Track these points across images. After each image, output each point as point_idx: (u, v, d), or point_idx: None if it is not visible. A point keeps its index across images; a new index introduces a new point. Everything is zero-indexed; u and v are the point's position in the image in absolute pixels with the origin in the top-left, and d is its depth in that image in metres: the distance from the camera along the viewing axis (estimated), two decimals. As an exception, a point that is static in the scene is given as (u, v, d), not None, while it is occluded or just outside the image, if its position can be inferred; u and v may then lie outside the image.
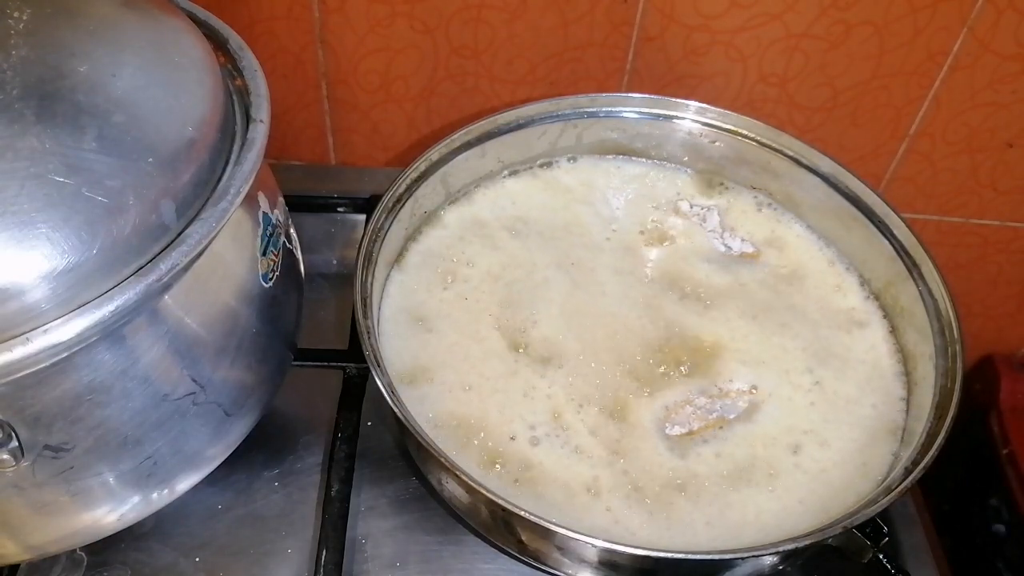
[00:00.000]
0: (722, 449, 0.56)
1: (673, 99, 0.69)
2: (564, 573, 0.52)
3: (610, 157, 0.71)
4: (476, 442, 0.55)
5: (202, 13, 0.51)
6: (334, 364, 0.63)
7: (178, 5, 0.50)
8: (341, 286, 0.73)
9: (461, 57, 0.77)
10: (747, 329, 0.62)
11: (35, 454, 0.41)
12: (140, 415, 0.43)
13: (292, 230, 0.56)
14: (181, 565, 0.55)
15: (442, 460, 0.48)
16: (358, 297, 0.54)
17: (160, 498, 0.48)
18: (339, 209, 0.74)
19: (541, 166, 0.70)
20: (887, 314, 0.63)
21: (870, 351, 0.61)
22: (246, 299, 0.48)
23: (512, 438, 0.55)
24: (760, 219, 0.69)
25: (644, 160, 0.71)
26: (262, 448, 0.61)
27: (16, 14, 0.41)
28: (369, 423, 0.63)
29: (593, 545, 0.46)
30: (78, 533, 0.47)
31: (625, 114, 0.69)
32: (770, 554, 0.49)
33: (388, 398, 0.50)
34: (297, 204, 0.69)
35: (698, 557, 0.48)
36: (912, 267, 0.61)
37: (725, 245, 0.67)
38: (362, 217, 0.71)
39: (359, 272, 0.56)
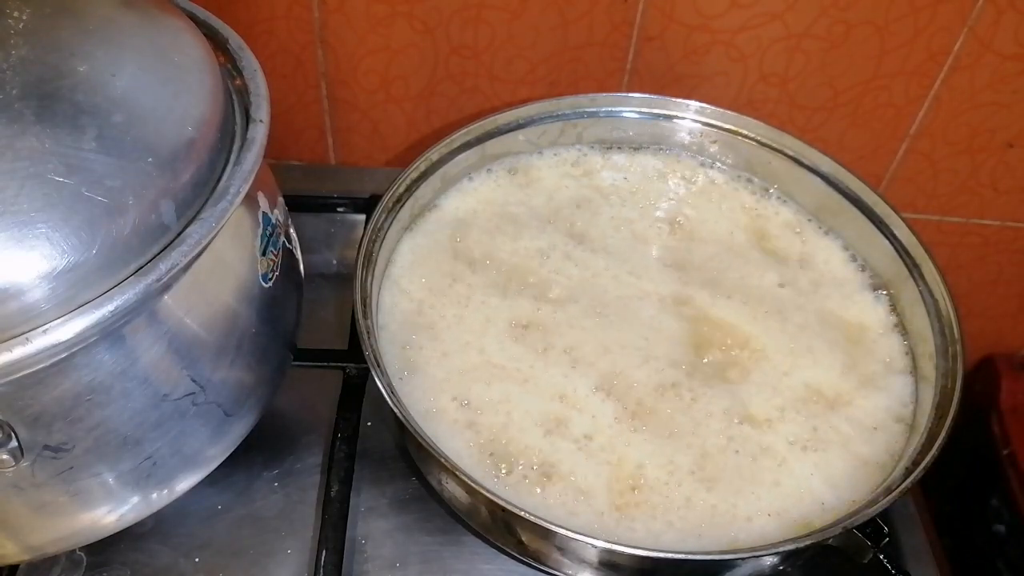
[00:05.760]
0: (736, 444, 0.55)
1: (673, 99, 0.69)
2: (564, 573, 0.52)
3: (614, 150, 0.71)
4: (478, 442, 0.54)
5: (202, 13, 0.51)
6: (334, 364, 0.63)
7: (178, 5, 0.50)
8: (341, 286, 0.72)
9: (461, 57, 0.77)
10: (759, 322, 0.61)
11: (35, 454, 0.40)
12: (140, 415, 0.43)
13: (292, 230, 0.55)
14: (181, 565, 0.55)
15: (442, 460, 0.48)
16: (358, 297, 0.54)
17: (160, 498, 0.48)
18: (339, 209, 0.74)
19: (547, 158, 0.70)
20: (894, 311, 0.63)
21: (877, 347, 0.61)
22: (246, 299, 0.48)
23: (516, 437, 0.55)
24: (760, 208, 0.69)
25: (648, 153, 0.71)
26: (262, 448, 0.60)
27: (16, 14, 0.41)
28: (369, 423, 0.63)
29: (593, 546, 0.46)
30: (77, 533, 0.47)
31: (625, 114, 0.69)
32: (770, 554, 0.49)
33: (388, 398, 0.50)
34: (297, 204, 0.69)
35: (698, 557, 0.48)
36: (912, 267, 0.61)
37: (731, 234, 0.67)
38: (362, 217, 0.71)
39: (359, 272, 0.56)
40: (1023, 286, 0.92)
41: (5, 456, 0.40)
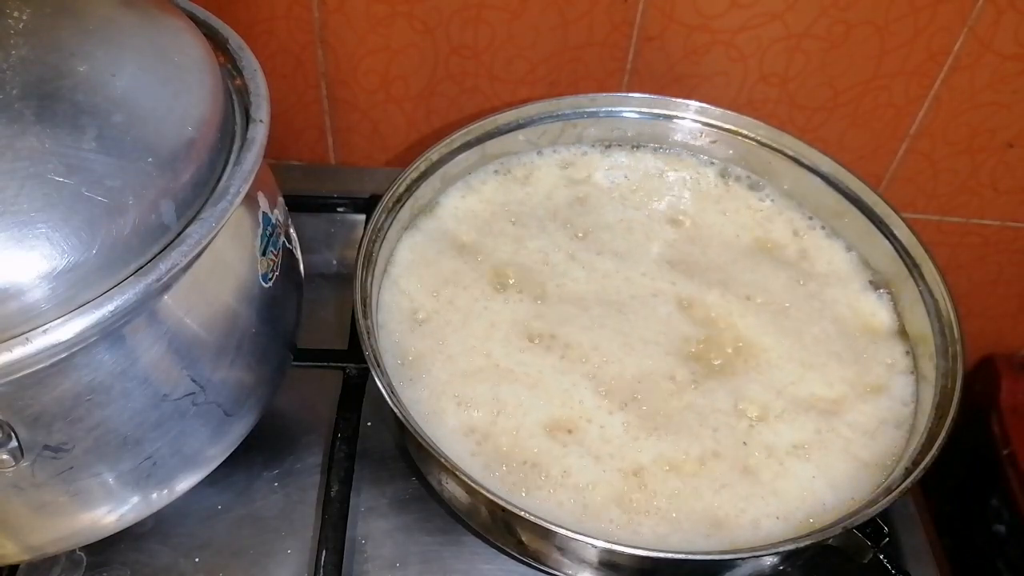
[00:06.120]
0: (743, 447, 0.55)
1: (673, 99, 0.69)
2: (564, 573, 0.52)
3: (615, 150, 0.71)
4: (479, 442, 0.54)
5: (202, 13, 0.51)
6: (334, 364, 0.63)
7: (178, 5, 0.50)
8: (341, 286, 0.72)
9: (461, 57, 0.77)
10: (764, 324, 0.61)
11: (35, 454, 0.40)
12: (140, 415, 0.43)
13: (292, 230, 0.55)
14: (181, 565, 0.55)
15: (442, 460, 0.48)
16: (358, 297, 0.54)
17: (160, 498, 0.48)
18: (339, 209, 0.74)
19: (547, 158, 0.70)
20: (895, 312, 0.63)
21: (879, 348, 0.61)
22: (246, 299, 0.48)
23: (517, 437, 0.55)
24: (761, 208, 0.69)
25: (648, 153, 0.71)
26: (262, 448, 0.60)
27: (16, 14, 0.41)
28: (369, 423, 0.63)
29: (593, 546, 0.46)
30: (77, 533, 0.47)
31: (625, 114, 0.69)
32: (770, 554, 0.49)
33: (388, 398, 0.50)
34: (297, 204, 0.69)
35: (698, 557, 0.48)
36: (912, 267, 0.61)
37: (732, 235, 0.67)
38: (362, 217, 0.71)
39: (359, 272, 0.56)
40: (1023, 286, 0.92)
41: (5, 456, 0.40)
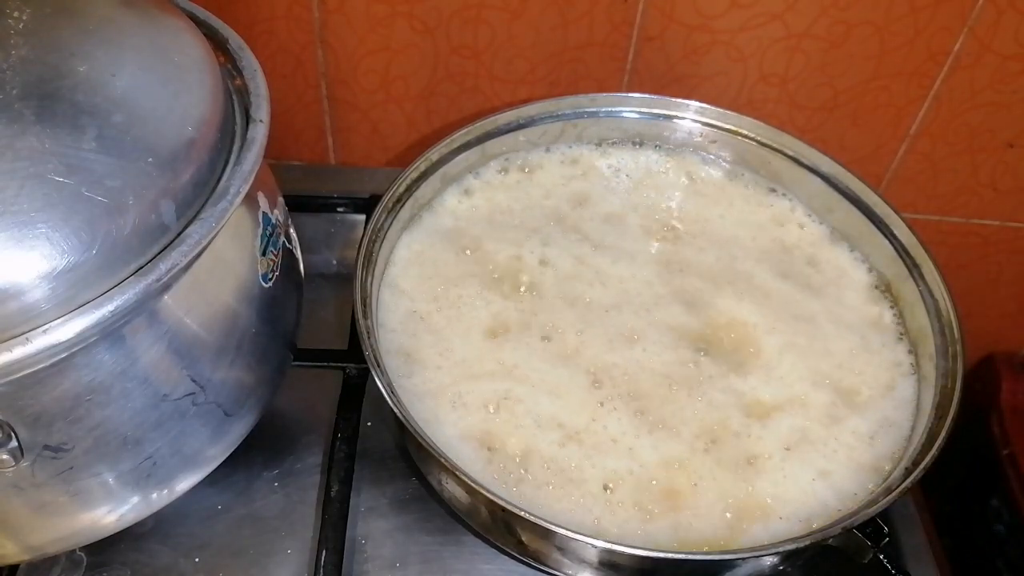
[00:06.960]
0: (737, 442, 0.55)
1: (673, 99, 0.69)
2: (564, 573, 0.52)
3: (615, 150, 0.71)
4: (479, 442, 0.54)
5: (202, 13, 0.51)
6: (334, 364, 0.63)
7: (178, 5, 0.50)
8: (341, 286, 0.72)
9: (461, 57, 0.77)
10: (769, 324, 0.61)
11: (35, 454, 0.41)
12: (140, 415, 0.43)
13: (292, 230, 0.55)
14: (181, 565, 0.55)
15: (442, 460, 0.48)
16: (358, 297, 0.54)
17: (160, 498, 0.48)
18: (339, 209, 0.74)
19: (547, 158, 0.70)
20: (895, 312, 0.63)
21: (883, 348, 0.61)
22: (246, 299, 0.48)
23: (518, 438, 0.55)
24: (763, 208, 0.69)
25: (648, 153, 0.71)
26: (262, 448, 0.60)
27: (16, 14, 0.41)
28: (369, 423, 0.63)
29: (593, 545, 0.46)
30: (77, 533, 0.47)
31: (625, 114, 0.69)
32: (770, 554, 0.49)
33: (388, 398, 0.50)
34: (297, 204, 0.69)
35: (698, 557, 0.48)
36: (912, 267, 0.61)
37: (734, 236, 0.67)
38: (362, 217, 0.71)
39: (359, 272, 0.56)
40: (1023, 286, 0.92)
41: (5, 456, 0.40)
